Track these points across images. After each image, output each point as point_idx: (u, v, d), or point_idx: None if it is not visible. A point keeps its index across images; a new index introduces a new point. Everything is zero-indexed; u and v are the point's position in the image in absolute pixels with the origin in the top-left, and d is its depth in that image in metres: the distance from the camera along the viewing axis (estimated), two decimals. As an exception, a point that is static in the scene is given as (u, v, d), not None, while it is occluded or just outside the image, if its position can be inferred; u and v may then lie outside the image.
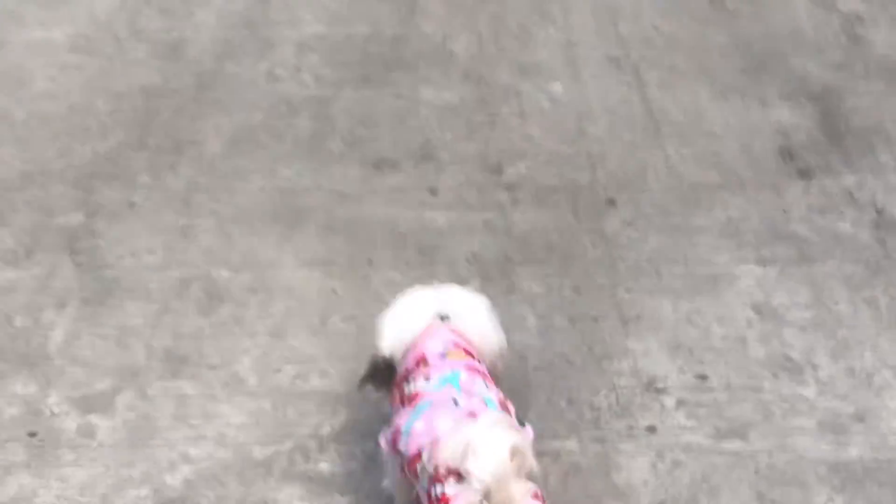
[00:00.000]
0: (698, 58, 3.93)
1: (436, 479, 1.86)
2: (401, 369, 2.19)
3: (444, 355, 2.14)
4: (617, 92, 3.75)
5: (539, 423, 2.25)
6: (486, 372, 2.16)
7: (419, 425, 2.00)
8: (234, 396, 2.57)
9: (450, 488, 1.83)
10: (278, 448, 2.44)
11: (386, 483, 2.21)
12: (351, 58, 3.93)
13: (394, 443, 2.07)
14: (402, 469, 2.05)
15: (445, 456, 1.85)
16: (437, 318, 2.24)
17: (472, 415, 1.97)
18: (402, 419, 2.06)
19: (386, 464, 2.18)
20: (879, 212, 3.18)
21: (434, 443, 1.92)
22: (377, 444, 2.16)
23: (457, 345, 2.17)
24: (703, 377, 2.65)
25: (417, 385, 2.10)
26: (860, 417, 2.52)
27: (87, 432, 2.50)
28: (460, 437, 1.86)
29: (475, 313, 2.30)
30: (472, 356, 2.18)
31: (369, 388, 2.30)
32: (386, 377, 2.25)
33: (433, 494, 1.87)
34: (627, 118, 3.62)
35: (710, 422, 2.52)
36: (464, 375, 2.09)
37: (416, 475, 1.98)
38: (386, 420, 2.18)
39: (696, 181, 3.32)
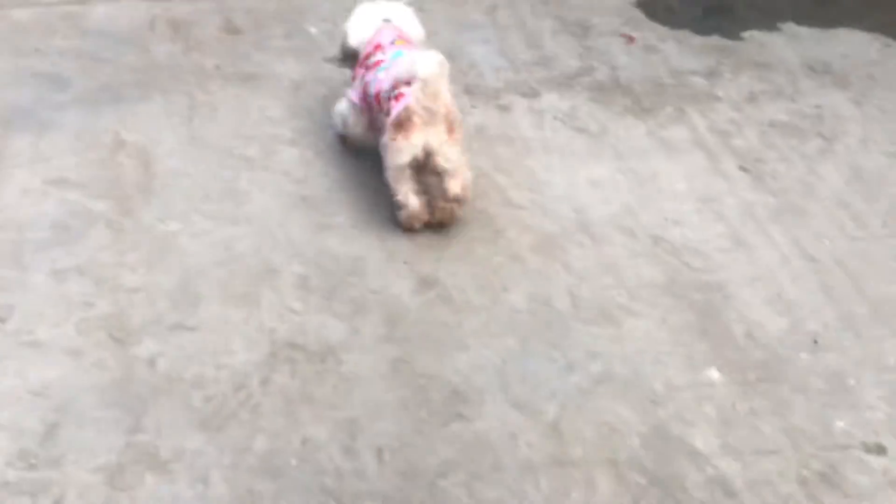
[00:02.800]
0: None
1: (394, 87, 3.12)
2: (362, 54, 3.42)
3: (392, 43, 3.35)
4: None
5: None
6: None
7: (382, 75, 3.22)
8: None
9: (403, 89, 3.09)
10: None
11: (337, 118, 3.53)
12: None
13: (363, 93, 3.32)
14: (367, 106, 3.33)
15: (399, 73, 3.11)
16: (383, 21, 3.47)
17: None
18: (369, 77, 3.29)
19: (347, 109, 3.46)
20: None
21: (392, 77, 3.17)
22: (344, 100, 3.45)
23: (399, 37, 3.40)
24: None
25: (377, 58, 3.32)
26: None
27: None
28: (408, 59, 3.12)
29: (407, 16, 3.56)
30: (410, 43, 3.42)
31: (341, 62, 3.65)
32: (352, 59, 3.52)
33: (391, 97, 3.13)
34: None
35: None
36: (405, 51, 3.27)
37: (379, 103, 3.21)
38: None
39: None
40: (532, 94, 3.92)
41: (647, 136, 3.71)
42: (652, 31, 4.30)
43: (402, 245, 3.22)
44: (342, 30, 3.55)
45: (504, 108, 3.83)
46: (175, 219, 3.24)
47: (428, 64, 3.04)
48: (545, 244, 3.22)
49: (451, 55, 3.45)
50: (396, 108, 3.08)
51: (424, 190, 3.24)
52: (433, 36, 3.96)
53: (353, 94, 3.40)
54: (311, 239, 3.21)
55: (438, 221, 3.27)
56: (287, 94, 3.84)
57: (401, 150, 3.12)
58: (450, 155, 3.13)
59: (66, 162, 3.43)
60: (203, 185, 3.39)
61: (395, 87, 3.12)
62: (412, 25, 3.55)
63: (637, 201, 3.42)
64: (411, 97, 3.04)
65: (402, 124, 3.08)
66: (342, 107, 3.50)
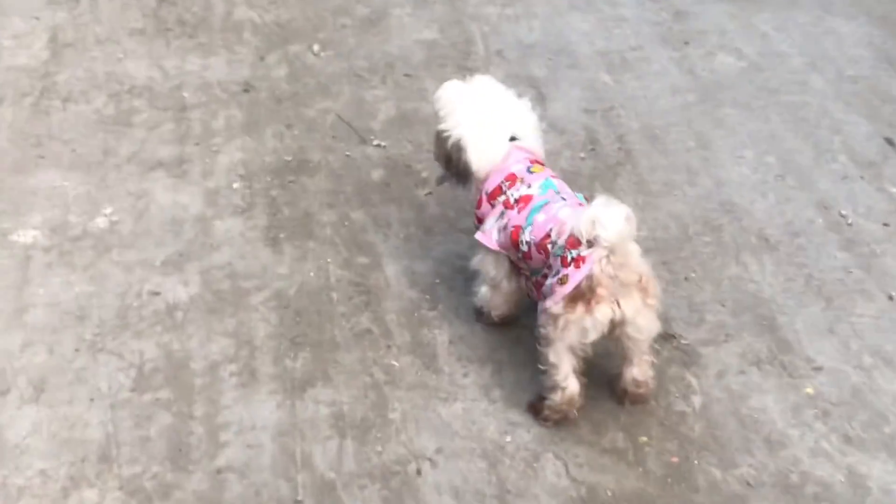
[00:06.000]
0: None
1: (570, 246, 2.61)
2: (489, 184, 2.93)
3: (529, 170, 2.91)
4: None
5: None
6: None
7: (540, 217, 2.78)
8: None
9: (585, 251, 2.56)
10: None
11: (477, 288, 3.05)
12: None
13: (514, 236, 2.83)
14: (516, 251, 2.84)
15: (576, 229, 2.58)
16: (509, 141, 2.96)
17: (581, 205, 2.78)
18: (521, 218, 2.82)
19: (483, 259, 2.98)
20: None
21: (560, 224, 2.70)
22: (479, 256, 2.98)
23: (531, 159, 2.95)
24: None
25: (521, 192, 2.85)
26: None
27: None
28: (586, 214, 2.56)
29: (535, 131, 3.04)
30: (543, 164, 2.98)
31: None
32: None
33: (569, 258, 2.60)
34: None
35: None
36: (555, 182, 2.90)
37: (545, 252, 2.73)
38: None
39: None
40: None
41: None
42: None
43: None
44: (450, 138, 2.95)
45: None
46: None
47: (613, 224, 2.51)
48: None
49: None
50: (575, 277, 2.57)
51: (583, 370, 2.75)
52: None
53: (488, 240, 2.90)
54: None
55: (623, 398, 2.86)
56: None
57: (581, 328, 2.61)
58: (643, 325, 2.67)
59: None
60: None
61: (569, 244, 2.61)
62: (537, 139, 3.06)
63: None
64: (595, 264, 2.54)
65: (584, 296, 2.57)
66: (480, 268, 3.02)
